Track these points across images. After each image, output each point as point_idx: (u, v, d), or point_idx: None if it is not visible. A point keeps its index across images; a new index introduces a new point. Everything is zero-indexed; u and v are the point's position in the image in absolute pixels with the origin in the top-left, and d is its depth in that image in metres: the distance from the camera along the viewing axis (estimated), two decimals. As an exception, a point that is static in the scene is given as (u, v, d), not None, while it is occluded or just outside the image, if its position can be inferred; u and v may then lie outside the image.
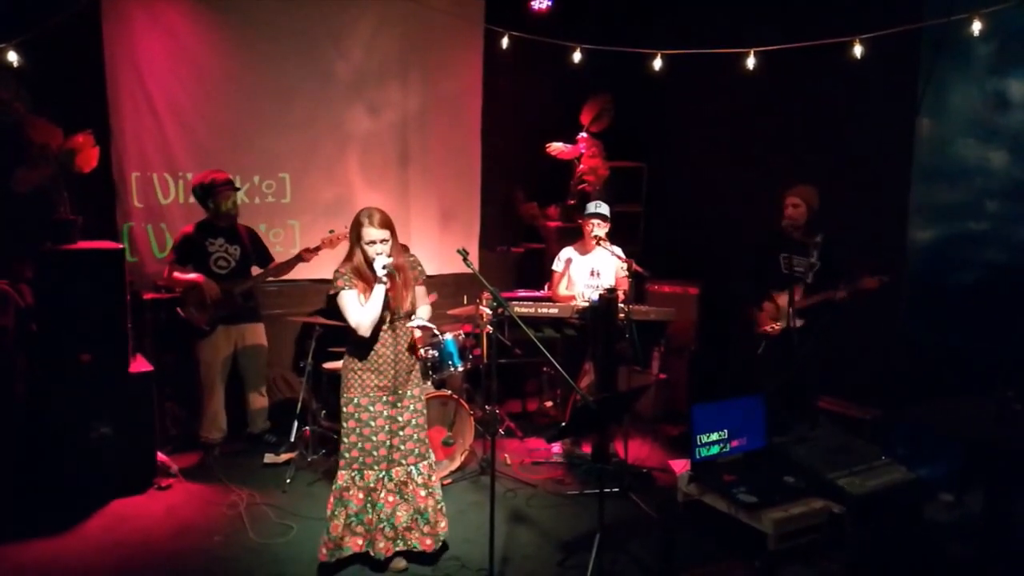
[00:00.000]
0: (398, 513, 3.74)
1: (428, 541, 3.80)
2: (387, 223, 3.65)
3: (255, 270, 5.29)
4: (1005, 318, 4.66)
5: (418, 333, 3.86)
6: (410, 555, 3.86)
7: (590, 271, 5.40)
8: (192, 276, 5.04)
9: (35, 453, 4.51)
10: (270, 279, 5.34)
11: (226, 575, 3.83)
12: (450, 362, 5.12)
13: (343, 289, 3.65)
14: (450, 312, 5.60)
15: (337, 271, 3.71)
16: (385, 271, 3.58)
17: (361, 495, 3.72)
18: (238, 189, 5.23)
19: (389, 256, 3.62)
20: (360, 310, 3.63)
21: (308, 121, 5.93)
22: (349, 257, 3.72)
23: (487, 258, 6.68)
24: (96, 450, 4.57)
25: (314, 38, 5.88)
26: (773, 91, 5.78)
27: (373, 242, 3.62)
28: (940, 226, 5.09)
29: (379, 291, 3.61)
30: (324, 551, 3.75)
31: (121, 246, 4.84)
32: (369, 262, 3.64)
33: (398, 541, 3.76)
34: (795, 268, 4.93)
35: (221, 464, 5.12)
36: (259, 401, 5.44)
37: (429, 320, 3.89)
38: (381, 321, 3.68)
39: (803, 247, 4.83)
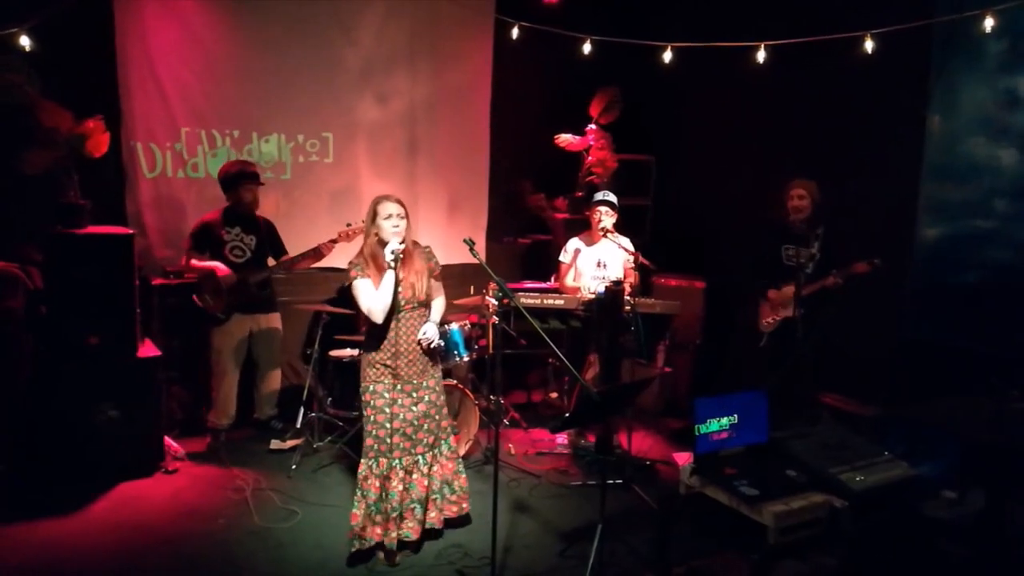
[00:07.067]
0: (412, 491, 3.81)
1: (454, 508, 3.97)
2: (403, 204, 3.79)
3: (270, 261, 5.30)
4: (1010, 317, 4.65)
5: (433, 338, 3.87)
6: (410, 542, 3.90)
7: (597, 262, 5.40)
8: (209, 264, 5.06)
9: (43, 435, 4.55)
10: (284, 270, 5.34)
11: (230, 558, 3.87)
12: (456, 352, 5.14)
13: (356, 279, 3.75)
14: (456, 302, 5.61)
15: (351, 262, 3.81)
16: (393, 256, 3.67)
17: (377, 483, 3.78)
18: (262, 183, 5.22)
19: (402, 242, 3.73)
20: (372, 296, 3.72)
21: (316, 108, 5.93)
22: (363, 246, 3.83)
23: (494, 249, 6.67)
24: (103, 433, 4.60)
25: (324, 25, 5.87)
26: (783, 86, 5.76)
27: (390, 216, 3.73)
28: (948, 224, 5.08)
29: (389, 277, 3.71)
30: (351, 540, 3.81)
31: (132, 231, 4.85)
32: (384, 243, 3.73)
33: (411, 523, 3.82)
34: (799, 260, 4.95)
35: (227, 449, 5.16)
36: (270, 387, 5.43)
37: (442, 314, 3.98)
38: (394, 309, 3.75)
39: (805, 238, 4.84)
